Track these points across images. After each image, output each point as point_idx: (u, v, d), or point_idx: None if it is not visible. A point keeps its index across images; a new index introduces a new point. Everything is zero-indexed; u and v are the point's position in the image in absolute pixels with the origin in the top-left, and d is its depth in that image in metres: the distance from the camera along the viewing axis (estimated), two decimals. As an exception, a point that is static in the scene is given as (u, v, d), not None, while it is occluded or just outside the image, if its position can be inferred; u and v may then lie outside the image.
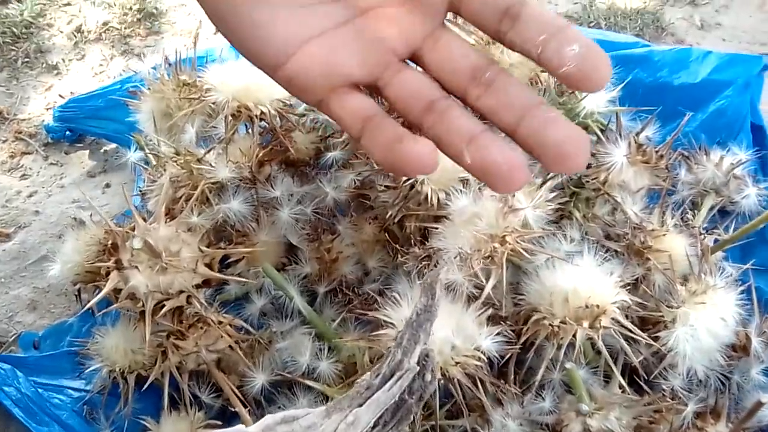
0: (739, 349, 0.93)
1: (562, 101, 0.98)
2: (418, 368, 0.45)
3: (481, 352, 0.75)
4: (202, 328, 0.88)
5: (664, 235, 0.93)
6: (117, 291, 0.81)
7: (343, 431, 0.42)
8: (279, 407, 0.89)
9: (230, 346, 0.89)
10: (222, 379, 0.90)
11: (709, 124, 1.18)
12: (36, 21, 1.69)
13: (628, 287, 0.88)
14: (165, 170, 0.97)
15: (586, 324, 0.77)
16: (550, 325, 0.78)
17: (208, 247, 0.84)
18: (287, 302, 0.95)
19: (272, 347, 0.93)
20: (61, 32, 1.67)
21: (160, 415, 0.91)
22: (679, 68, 1.24)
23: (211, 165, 0.96)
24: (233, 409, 0.88)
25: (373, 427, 0.43)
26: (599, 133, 0.99)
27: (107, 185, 1.29)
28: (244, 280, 0.93)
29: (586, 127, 1.03)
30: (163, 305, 0.81)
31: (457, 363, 0.75)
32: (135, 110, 1.14)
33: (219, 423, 0.92)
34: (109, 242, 0.82)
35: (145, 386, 0.89)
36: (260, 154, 0.99)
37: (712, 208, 1.06)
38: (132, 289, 0.80)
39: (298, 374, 0.88)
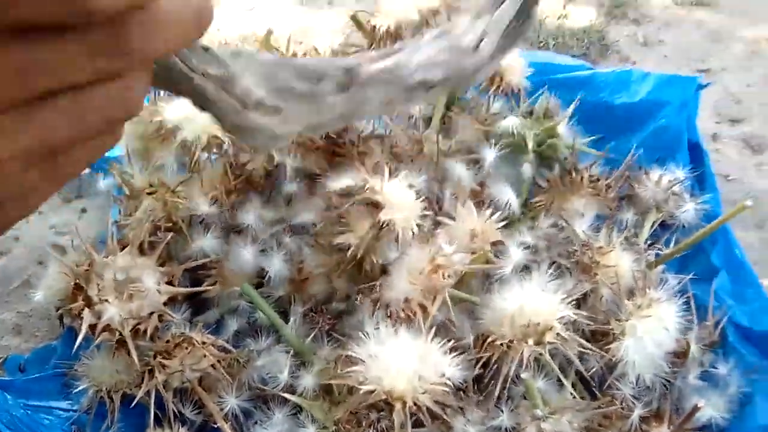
0: (680, 356, 1.02)
1: (546, 127, 1.09)
2: None
3: (447, 378, 0.82)
4: (186, 348, 0.94)
5: (610, 251, 1.02)
6: (93, 326, 0.88)
7: (485, 39, 0.44)
8: (256, 422, 0.96)
9: (213, 366, 0.95)
10: (205, 397, 0.96)
11: (649, 142, 1.27)
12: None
13: (577, 302, 0.97)
14: (140, 202, 1.03)
15: (531, 341, 0.85)
16: (501, 344, 0.86)
17: (163, 265, 0.92)
18: (262, 322, 1.02)
19: (249, 365, 1.00)
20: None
21: (144, 431, 0.97)
22: (620, 89, 1.34)
23: (182, 198, 1.03)
24: (214, 425, 0.96)
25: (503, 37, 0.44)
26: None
27: (83, 210, 1.34)
28: (207, 288, 1.00)
29: (554, 149, 1.13)
30: (138, 329, 0.88)
31: (425, 392, 0.81)
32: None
33: (202, 436, 0.98)
34: (73, 282, 0.89)
35: (133, 404, 0.96)
36: (230, 183, 1.05)
37: (653, 224, 1.15)
38: (107, 321, 0.87)
39: (278, 390, 0.95)
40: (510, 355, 0.87)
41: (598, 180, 1.12)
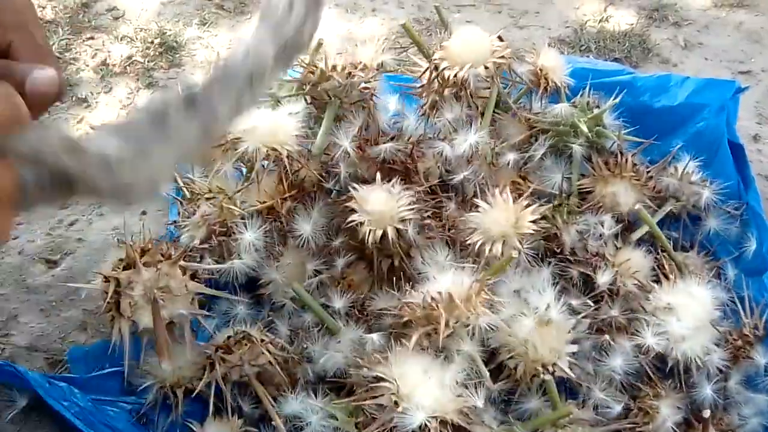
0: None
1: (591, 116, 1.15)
2: None
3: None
4: (246, 344, 1.00)
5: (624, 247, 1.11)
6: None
7: (293, 7, 0.48)
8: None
9: (270, 361, 1.01)
10: (261, 392, 1.02)
11: (688, 144, 1.30)
12: (62, 55, 1.81)
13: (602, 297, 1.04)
14: (198, 206, 1.09)
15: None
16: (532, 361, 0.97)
17: (184, 259, 1.00)
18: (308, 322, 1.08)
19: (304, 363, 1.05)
20: (87, 66, 1.79)
21: (204, 420, 1.03)
22: (659, 93, 1.37)
23: (238, 204, 1.09)
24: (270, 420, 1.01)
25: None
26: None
27: (143, 213, 1.41)
28: (222, 294, 1.08)
29: (600, 136, 1.17)
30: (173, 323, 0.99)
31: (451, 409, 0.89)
32: None
33: (256, 430, 1.04)
34: (107, 299, 0.98)
35: (193, 394, 1.02)
36: (285, 193, 1.12)
37: (671, 213, 1.21)
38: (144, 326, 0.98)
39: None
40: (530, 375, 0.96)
41: (639, 166, 1.17)
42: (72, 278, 1.29)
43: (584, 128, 1.15)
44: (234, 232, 1.08)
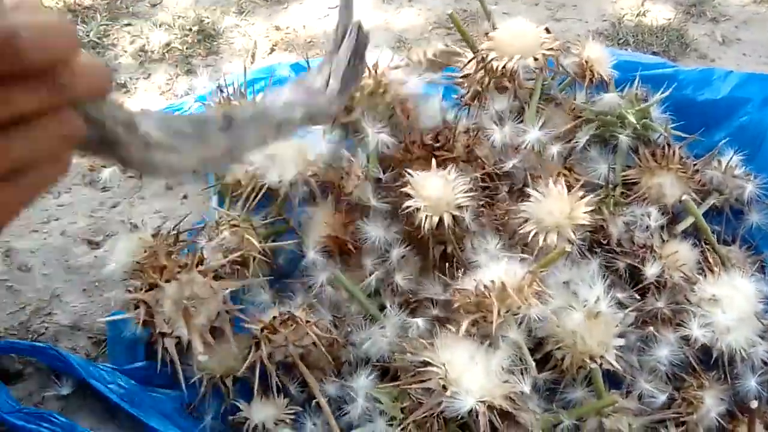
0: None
1: (639, 108, 1.17)
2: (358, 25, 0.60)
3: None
4: (291, 325, 1.01)
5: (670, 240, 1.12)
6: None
7: (330, 81, 0.56)
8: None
9: (314, 343, 1.02)
10: (306, 372, 1.03)
11: (733, 138, 1.30)
12: (101, 41, 1.82)
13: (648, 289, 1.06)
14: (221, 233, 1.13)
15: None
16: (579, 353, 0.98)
17: (201, 263, 1.03)
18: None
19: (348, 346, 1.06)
20: (126, 52, 1.80)
21: (251, 399, 1.04)
22: (702, 86, 1.37)
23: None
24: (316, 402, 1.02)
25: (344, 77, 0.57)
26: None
27: (185, 197, 1.42)
28: (255, 280, 1.10)
29: (647, 128, 1.18)
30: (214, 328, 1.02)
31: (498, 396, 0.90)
32: None
33: (301, 410, 1.04)
34: (140, 318, 1.01)
35: (239, 373, 1.03)
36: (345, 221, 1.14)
37: (714, 206, 1.22)
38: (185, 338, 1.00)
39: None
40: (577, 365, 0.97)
41: (686, 159, 1.17)
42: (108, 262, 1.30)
43: (632, 119, 1.15)
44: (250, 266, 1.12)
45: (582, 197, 1.02)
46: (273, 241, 1.19)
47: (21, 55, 0.32)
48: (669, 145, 1.18)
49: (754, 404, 0.94)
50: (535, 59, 1.12)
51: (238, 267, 1.11)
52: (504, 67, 1.12)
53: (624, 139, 1.16)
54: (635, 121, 1.15)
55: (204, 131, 0.45)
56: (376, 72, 1.11)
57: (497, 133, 1.08)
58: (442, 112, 1.18)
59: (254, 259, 1.11)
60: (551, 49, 1.13)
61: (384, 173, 1.10)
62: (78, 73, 0.35)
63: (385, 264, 1.10)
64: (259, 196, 1.16)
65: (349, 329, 1.07)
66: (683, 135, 1.24)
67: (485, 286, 0.92)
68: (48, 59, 0.33)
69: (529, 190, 1.04)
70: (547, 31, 1.16)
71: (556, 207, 1.01)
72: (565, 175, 1.11)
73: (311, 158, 1.15)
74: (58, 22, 0.34)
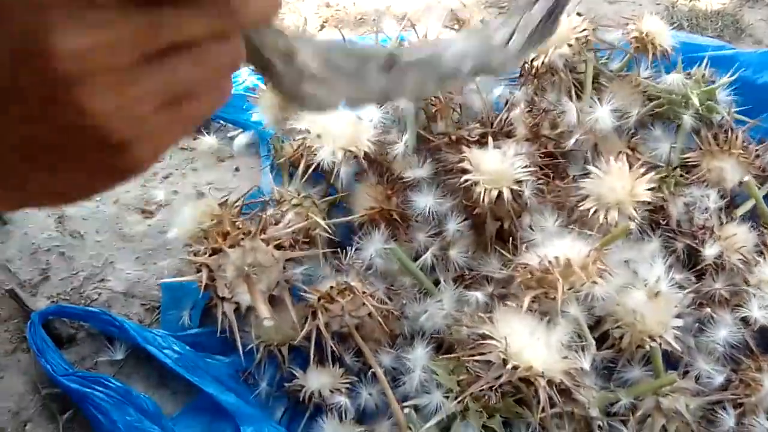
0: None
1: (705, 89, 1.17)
2: None
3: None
4: (348, 295, 1.01)
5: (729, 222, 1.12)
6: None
7: (513, 38, 0.51)
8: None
9: (369, 314, 1.02)
10: (361, 342, 1.03)
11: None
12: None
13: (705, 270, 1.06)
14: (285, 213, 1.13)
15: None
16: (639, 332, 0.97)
17: (264, 231, 1.03)
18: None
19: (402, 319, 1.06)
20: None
21: (307, 368, 1.05)
22: (762, 69, 1.35)
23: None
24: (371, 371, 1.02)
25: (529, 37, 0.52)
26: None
27: (237, 169, 1.43)
28: (317, 251, 1.10)
29: (711, 111, 1.18)
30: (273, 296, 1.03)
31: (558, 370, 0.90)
32: (253, 104, 1.30)
33: (356, 379, 1.05)
34: (203, 281, 1.01)
35: (296, 342, 1.03)
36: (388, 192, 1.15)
37: None
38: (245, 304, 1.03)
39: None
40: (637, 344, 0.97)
41: (749, 144, 1.15)
42: (167, 229, 1.31)
43: (696, 101, 1.14)
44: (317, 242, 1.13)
45: (643, 174, 1.01)
46: (330, 215, 1.19)
47: None
48: (732, 128, 1.17)
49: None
50: (570, 45, 1.11)
51: (303, 241, 1.11)
52: (543, 63, 1.12)
53: (687, 119, 1.15)
54: (699, 103, 1.14)
55: (363, 69, 0.44)
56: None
57: (568, 110, 1.08)
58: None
59: (319, 236, 1.13)
60: (585, 30, 1.13)
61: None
62: None
63: (438, 238, 1.10)
64: (311, 169, 1.17)
65: (404, 302, 1.07)
66: (745, 119, 1.22)
67: (549, 262, 0.92)
68: None
69: (590, 167, 1.03)
70: (579, 14, 1.15)
71: (617, 184, 1.00)
72: (627, 153, 1.11)
73: (364, 136, 1.15)
74: None
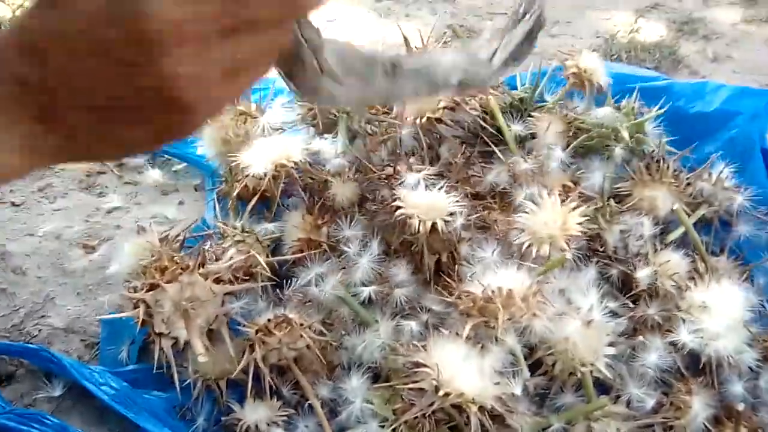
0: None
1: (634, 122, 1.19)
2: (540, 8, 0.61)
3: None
4: (286, 327, 1.02)
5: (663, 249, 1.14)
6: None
7: (497, 54, 0.57)
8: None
9: (307, 346, 1.02)
10: (299, 375, 1.03)
11: (723, 150, 1.31)
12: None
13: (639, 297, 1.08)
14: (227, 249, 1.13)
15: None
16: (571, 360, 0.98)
17: (203, 265, 1.03)
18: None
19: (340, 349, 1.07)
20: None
21: (245, 402, 1.05)
22: (695, 99, 1.39)
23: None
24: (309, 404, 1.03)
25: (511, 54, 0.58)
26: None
27: (181, 203, 1.43)
28: (254, 285, 1.10)
29: (640, 143, 1.20)
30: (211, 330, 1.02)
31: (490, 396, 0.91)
32: (197, 137, 1.31)
33: (294, 412, 1.05)
34: (140, 317, 1.00)
35: (233, 375, 1.03)
36: (318, 222, 1.15)
37: (703, 217, 1.23)
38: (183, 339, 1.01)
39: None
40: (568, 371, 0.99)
41: (681, 173, 1.18)
42: (109, 264, 1.31)
43: (625, 134, 1.17)
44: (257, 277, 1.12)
45: (575, 208, 1.03)
46: (274, 250, 1.20)
47: None
48: (663, 159, 1.20)
49: (741, 407, 0.95)
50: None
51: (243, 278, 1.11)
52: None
53: (618, 151, 1.18)
54: (629, 136, 1.17)
55: (371, 72, 0.48)
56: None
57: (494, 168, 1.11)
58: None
59: (260, 274, 1.12)
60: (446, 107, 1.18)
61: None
62: None
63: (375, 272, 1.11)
64: (254, 200, 1.17)
65: (342, 332, 1.07)
66: (676, 151, 1.26)
67: (492, 291, 0.93)
68: None
69: (524, 202, 1.05)
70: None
71: (550, 218, 1.02)
72: (568, 186, 1.13)
73: (296, 150, 1.16)
74: None
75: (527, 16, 0.59)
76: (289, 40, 0.41)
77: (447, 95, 1.09)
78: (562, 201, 1.04)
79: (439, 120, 1.19)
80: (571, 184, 1.16)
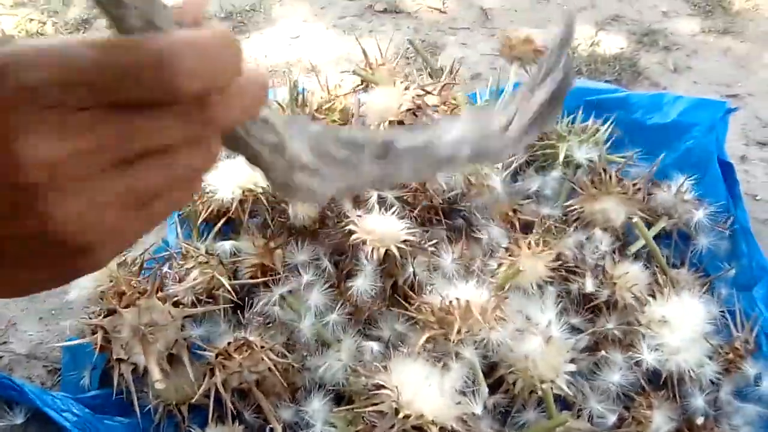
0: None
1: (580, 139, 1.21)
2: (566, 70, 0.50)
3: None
4: (246, 350, 1.01)
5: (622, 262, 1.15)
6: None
7: (513, 123, 0.48)
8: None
9: (269, 368, 1.02)
10: (261, 398, 1.03)
11: (681, 161, 1.33)
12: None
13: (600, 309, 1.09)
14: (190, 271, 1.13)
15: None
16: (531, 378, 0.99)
17: (161, 289, 1.03)
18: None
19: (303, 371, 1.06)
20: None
21: (206, 426, 1.04)
22: (652, 110, 1.41)
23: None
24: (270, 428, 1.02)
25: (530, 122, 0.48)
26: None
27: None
28: (214, 307, 1.10)
29: (579, 166, 1.21)
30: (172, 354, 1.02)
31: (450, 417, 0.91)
32: None
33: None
34: (98, 343, 1.01)
35: (194, 400, 1.03)
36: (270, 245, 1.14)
37: (663, 230, 1.24)
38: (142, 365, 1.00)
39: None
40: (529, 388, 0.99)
41: (624, 180, 1.20)
42: (70, 289, 1.29)
43: (563, 150, 1.19)
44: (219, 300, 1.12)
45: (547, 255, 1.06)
46: (235, 271, 1.19)
47: (175, 84, 0.29)
48: (605, 170, 1.21)
49: (700, 420, 0.96)
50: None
51: (206, 300, 1.11)
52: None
53: (555, 173, 1.20)
54: (573, 151, 1.19)
55: (357, 158, 0.42)
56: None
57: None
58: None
59: (221, 297, 1.12)
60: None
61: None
62: (234, 94, 0.33)
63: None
64: (220, 223, 1.17)
65: (304, 354, 1.07)
66: (617, 160, 1.28)
67: (450, 303, 0.94)
68: (203, 88, 0.31)
69: (500, 256, 1.07)
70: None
71: (528, 265, 1.04)
72: (514, 210, 1.15)
73: (263, 181, 1.15)
74: (220, 43, 0.31)
75: (550, 76, 0.50)
76: (213, 157, 0.35)
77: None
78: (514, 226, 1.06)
79: (401, 123, 1.18)
80: (512, 213, 1.17)
